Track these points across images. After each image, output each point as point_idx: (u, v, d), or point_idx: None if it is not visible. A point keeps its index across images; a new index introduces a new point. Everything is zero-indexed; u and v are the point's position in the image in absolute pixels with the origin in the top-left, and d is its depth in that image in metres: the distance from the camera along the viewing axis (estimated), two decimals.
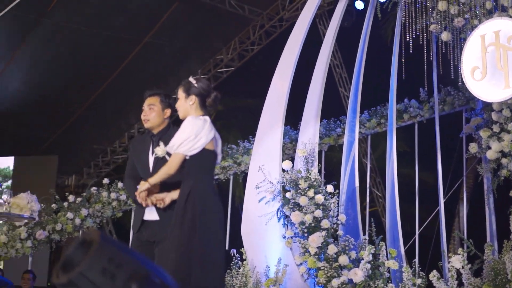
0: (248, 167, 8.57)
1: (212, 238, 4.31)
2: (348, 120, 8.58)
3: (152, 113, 4.85)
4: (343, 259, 7.06)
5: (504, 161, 7.22)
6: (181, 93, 4.54)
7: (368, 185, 10.53)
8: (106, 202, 10.12)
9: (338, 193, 7.61)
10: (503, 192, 8.07)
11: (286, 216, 7.49)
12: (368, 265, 6.89)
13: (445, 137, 8.91)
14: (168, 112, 4.92)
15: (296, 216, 7.30)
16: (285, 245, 7.46)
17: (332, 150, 11.51)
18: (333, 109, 11.57)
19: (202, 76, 14.31)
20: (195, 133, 4.34)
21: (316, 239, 7.14)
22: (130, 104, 14.93)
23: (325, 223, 7.28)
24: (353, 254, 7.16)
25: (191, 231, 4.21)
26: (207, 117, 4.47)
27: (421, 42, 7.39)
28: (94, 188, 10.35)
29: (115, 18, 12.27)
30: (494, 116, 7.21)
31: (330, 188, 7.56)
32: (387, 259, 7.09)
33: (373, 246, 7.01)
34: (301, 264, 7.31)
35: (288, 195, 7.50)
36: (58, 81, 13.47)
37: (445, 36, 7.19)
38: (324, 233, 7.21)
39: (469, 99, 9.56)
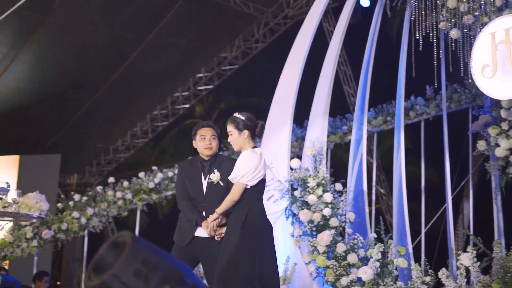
0: None
1: (271, 258, 4.91)
2: (356, 118, 8.56)
3: (215, 143, 5.38)
4: (352, 258, 7.04)
5: None
6: (233, 129, 5.05)
7: (374, 183, 10.53)
8: (111, 201, 10.10)
9: (346, 191, 7.60)
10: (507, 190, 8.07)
11: (295, 215, 7.48)
12: (377, 263, 6.87)
13: (450, 134, 8.88)
14: None
15: (304, 215, 7.29)
16: (293, 243, 7.45)
17: (338, 148, 11.50)
18: (337, 107, 11.55)
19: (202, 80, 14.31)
20: (255, 166, 4.90)
21: (325, 237, 7.12)
22: (133, 102, 14.90)
23: (333, 222, 7.26)
24: (361, 252, 7.14)
25: (253, 250, 4.78)
26: (261, 151, 5.09)
27: (430, 40, 7.38)
28: (100, 187, 10.31)
29: (119, 16, 12.25)
30: (503, 114, 7.19)
31: (338, 186, 7.55)
32: (395, 257, 7.08)
33: (382, 244, 7.00)
34: (309, 262, 7.29)
35: (296, 193, 7.48)
36: (62, 80, 13.46)
37: (454, 33, 7.17)
38: (332, 231, 7.20)
39: (476, 96, 9.56)
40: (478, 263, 6.59)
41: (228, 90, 17.84)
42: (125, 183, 10.24)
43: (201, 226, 5.17)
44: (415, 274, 6.78)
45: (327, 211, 7.25)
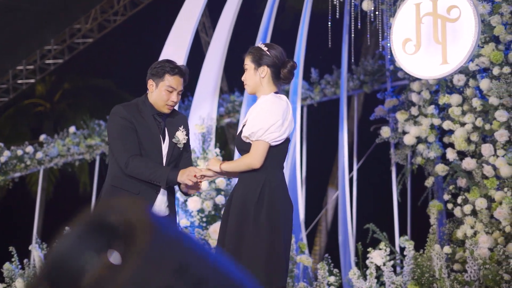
0: None
1: (288, 241, 3.68)
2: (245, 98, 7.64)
3: (178, 100, 3.99)
4: None
5: (420, 147, 6.59)
6: (249, 63, 3.76)
7: None
8: None
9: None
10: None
11: (181, 203, 6.42)
12: None
13: (334, 122, 8.32)
14: None
15: (193, 203, 6.27)
16: None
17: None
18: None
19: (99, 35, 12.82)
20: (282, 118, 3.60)
21: (217, 229, 6.11)
22: None
23: None
24: None
25: (270, 233, 3.51)
26: (287, 99, 3.77)
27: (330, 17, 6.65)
28: None
29: None
30: (414, 98, 6.55)
31: None
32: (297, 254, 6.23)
33: None
34: None
35: None
36: None
37: (365, 5, 6.45)
38: None
39: (363, 83, 9.00)
40: (391, 262, 5.87)
41: (78, 67, 16.34)
42: None
43: (175, 183, 3.76)
44: (322, 274, 5.93)
45: (220, 199, 6.26)
